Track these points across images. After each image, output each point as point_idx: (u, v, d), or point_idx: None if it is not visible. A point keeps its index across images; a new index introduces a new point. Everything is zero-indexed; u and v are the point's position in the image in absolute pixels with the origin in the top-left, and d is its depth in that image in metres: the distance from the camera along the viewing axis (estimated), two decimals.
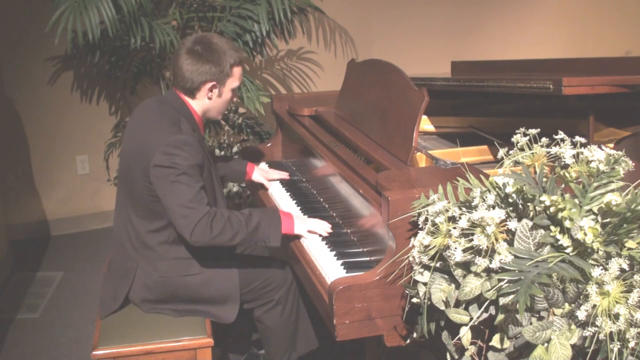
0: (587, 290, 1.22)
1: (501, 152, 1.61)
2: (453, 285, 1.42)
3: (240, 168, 2.57)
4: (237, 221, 1.99)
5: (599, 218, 1.30)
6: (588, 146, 1.44)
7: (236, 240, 1.99)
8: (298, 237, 2.08)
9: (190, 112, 2.11)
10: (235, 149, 3.54)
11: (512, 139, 1.58)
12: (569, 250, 1.27)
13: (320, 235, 2.06)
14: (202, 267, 2.11)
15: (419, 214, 1.56)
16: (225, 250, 2.18)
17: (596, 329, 1.20)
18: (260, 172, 2.60)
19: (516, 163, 1.57)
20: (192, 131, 2.05)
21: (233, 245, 2.04)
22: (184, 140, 1.97)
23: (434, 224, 1.46)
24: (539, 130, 1.55)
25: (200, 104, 2.12)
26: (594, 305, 1.20)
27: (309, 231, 2.07)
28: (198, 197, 1.95)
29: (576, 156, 1.45)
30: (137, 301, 2.12)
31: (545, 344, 1.26)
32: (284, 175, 2.63)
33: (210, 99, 2.11)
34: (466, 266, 1.39)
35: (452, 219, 1.44)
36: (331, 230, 2.07)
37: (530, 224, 1.33)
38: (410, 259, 1.52)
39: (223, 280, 2.12)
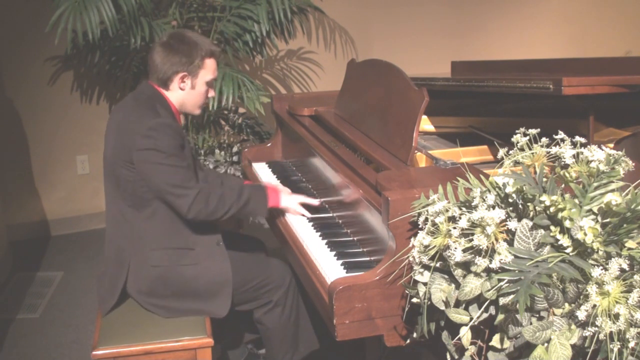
0: (587, 290, 1.22)
1: (501, 152, 1.61)
2: (453, 285, 1.42)
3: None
4: (229, 197, 2.11)
5: (599, 218, 1.30)
6: (588, 146, 1.44)
7: (228, 215, 2.12)
8: (296, 236, 2.09)
9: (166, 101, 2.16)
10: (235, 149, 3.54)
11: (512, 139, 1.58)
12: (569, 250, 1.28)
13: (320, 233, 2.06)
14: (195, 259, 2.13)
15: (419, 214, 1.56)
16: (222, 247, 2.19)
17: (596, 329, 1.20)
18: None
19: (516, 163, 1.57)
20: (169, 115, 2.10)
21: (225, 219, 2.14)
22: (163, 122, 2.03)
23: (434, 224, 1.46)
24: (539, 130, 1.55)
25: (175, 95, 2.17)
26: (594, 305, 1.20)
27: (299, 203, 2.20)
28: (188, 176, 2.05)
29: (576, 156, 1.45)
30: (133, 293, 2.13)
31: (545, 344, 1.26)
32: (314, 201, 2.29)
33: (182, 89, 2.16)
34: (466, 266, 1.39)
35: (452, 219, 1.44)
36: (318, 203, 2.22)
37: (530, 224, 1.33)
38: (410, 259, 1.52)
39: (215, 272, 2.13)
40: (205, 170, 2.49)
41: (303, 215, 2.20)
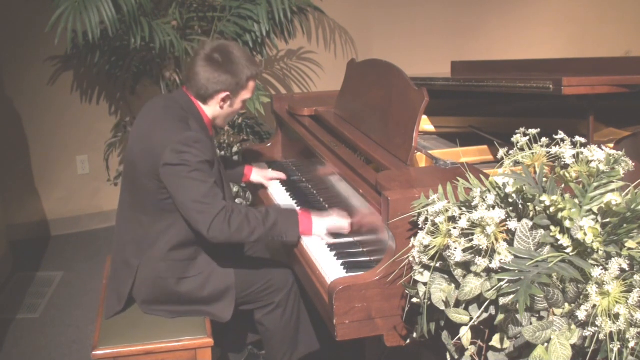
0: (587, 290, 1.22)
1: (501, 152, 1.61)
2: (453, 285, 1.42)
3: (238, 170, 2.59)
4: (254, 218, 1.97)
5: (599, 218, 1.31)
6: (588, 146, 1.44)
7: (254, 237, 1.98)
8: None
9: (199, 113, 2.11)
10: (235, 149, 3.54)
11: (512, 139, 1.58)
12: (569, 250, 1.28)
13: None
14: (200, 269, 2.11)
15: (419, 214, 1.56)
16: (225, 252, 2.18)
17: (596, 329, 1.20)
18: (259, 172, 2.61)
19: (516, 163, 1.57)
20: (200, 129, 2.05)
21: (250, 242, 2.04)
22: (194, 137, 1.96)
23: (434, 224, 1.46)
24: (539, 130, 1.55)
25: (211, 110, 2.12)
26: (594, 305, 1.20)
27: (329, 230, 2.05)
28: (212, 192, 1.94)
29: (576, 156, 1.45)
30: (138, 302, 2.12)
31: (545, 344, 1.26)
32: (282, 175, 2.64)
33: (221, 108, 2.12)
34: (466, 266, 1.39)
35: (452, 219, 1.44)
36: (351, 221, 2.04)
37: (530, 224, 1.33)
38: (410, 259, 1.52)
39: (219, 279, 2.12)
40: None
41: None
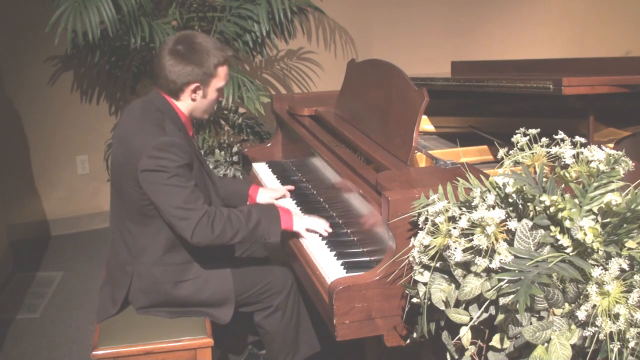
0: (587, 290, 1.22)
1: (501, 152, 1.61)
2: (453, 285, 1.42)
3: (242, 191, 2.45)
4: (237, 219, 1.98)
5: (599, 218, 1.31)
6: (588, 146, 1.44)
7: (237, 239, 1.99)
8: (297, 235, 2.09)
9: (176, 113, 2.07)
10: (235, 149, 3.54)
11: (512, 139, 1.58)
12: (569, 250, 1.28)
13: (319, 235, 2.06)
14: (197, 272, 2.10)
15: (419, 214, 1.56)
16: (222, 254, 2.18)
17: (596, 329, 1.20)
18: (265, 195, 2.44)
19: (516, 163, 1.57)
20: (177, 131, 2.02)
21: (234, 243, 2.03)
22: (169, 141, 1.94)
23: (434, 224, 1.46)
24: (539, 130, 1.55)
25: (185, 104, 2.08)
26: (594, 305, 1.20)
27: (308, 229, 2.07)
28: (193, 197, 1.94)
29: (576, 156, 1.45)
30: (135, 306, 2.12)
31: (545, 344, 1.26)
32: (288, 191, 2.47)
33: (194, 100, 2.06)
34: (466, 266, 1.39)
35: (452, 219, 1.44)
36: (330, 230, 2.07)
37: (530, 224, 1.33)
38: (410, 259, 1.52)
39: (217, 283, 2.11)
40: (215, 179, 2.32)
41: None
